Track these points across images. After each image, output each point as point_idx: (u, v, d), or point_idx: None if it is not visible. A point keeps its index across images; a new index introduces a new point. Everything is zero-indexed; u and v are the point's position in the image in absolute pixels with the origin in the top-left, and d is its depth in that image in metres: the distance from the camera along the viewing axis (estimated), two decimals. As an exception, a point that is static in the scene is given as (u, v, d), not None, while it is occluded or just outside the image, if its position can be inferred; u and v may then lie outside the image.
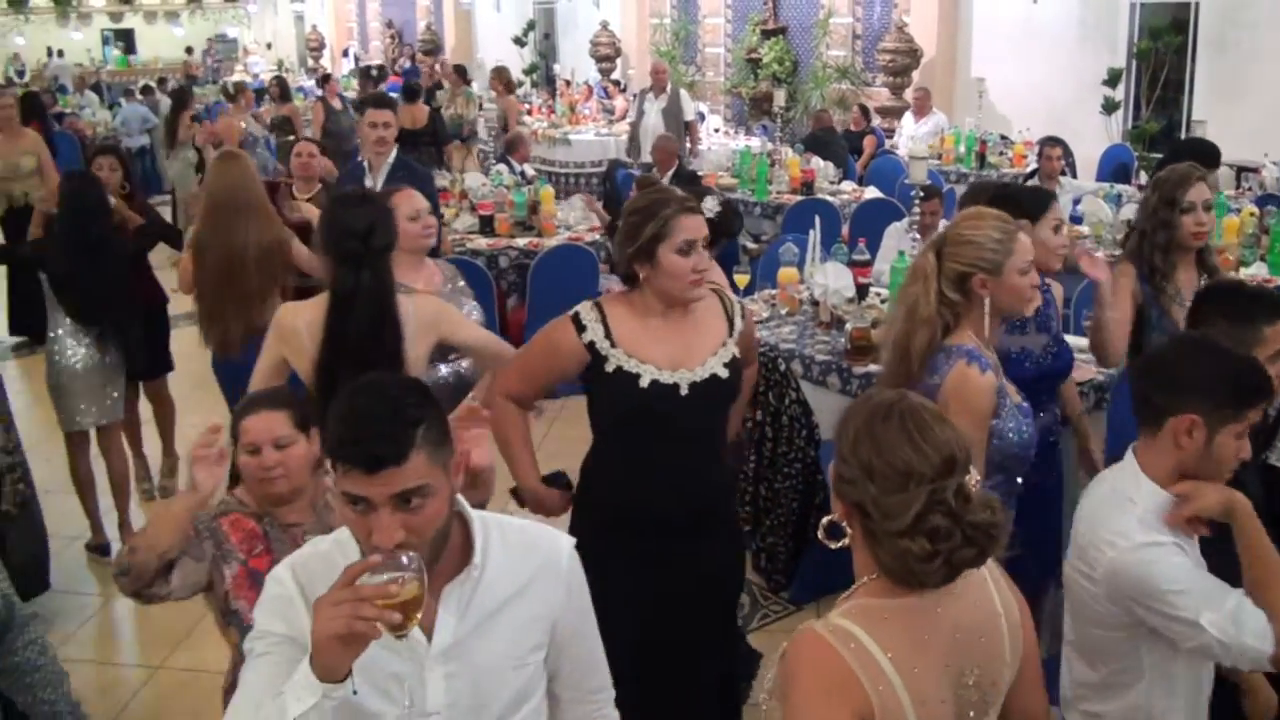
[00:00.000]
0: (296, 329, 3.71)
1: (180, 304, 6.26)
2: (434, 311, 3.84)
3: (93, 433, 5.87)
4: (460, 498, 2.13)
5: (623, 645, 3.18)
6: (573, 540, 2.29)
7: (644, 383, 3.22)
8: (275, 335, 3.78)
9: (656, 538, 3.31)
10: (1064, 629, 2.85)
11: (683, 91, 12.95)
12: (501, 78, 14.08)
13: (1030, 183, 9.01)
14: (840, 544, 2.07)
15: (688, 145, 12.04)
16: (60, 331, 5.71)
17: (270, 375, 3.75)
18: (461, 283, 4.67)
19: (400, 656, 2.04)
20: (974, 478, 1.98)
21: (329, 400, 3.45)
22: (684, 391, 3.23)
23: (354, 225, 3.65)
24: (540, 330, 3.47)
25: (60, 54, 27.92)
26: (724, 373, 3.30)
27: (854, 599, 2.06)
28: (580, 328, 3.28)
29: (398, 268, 4.13)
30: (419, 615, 1.87)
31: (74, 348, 5.69)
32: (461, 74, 14.40)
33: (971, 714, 2.05)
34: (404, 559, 1.86)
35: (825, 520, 2.08)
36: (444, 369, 4.39)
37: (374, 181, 6.16)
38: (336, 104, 13.88)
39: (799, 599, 5.29)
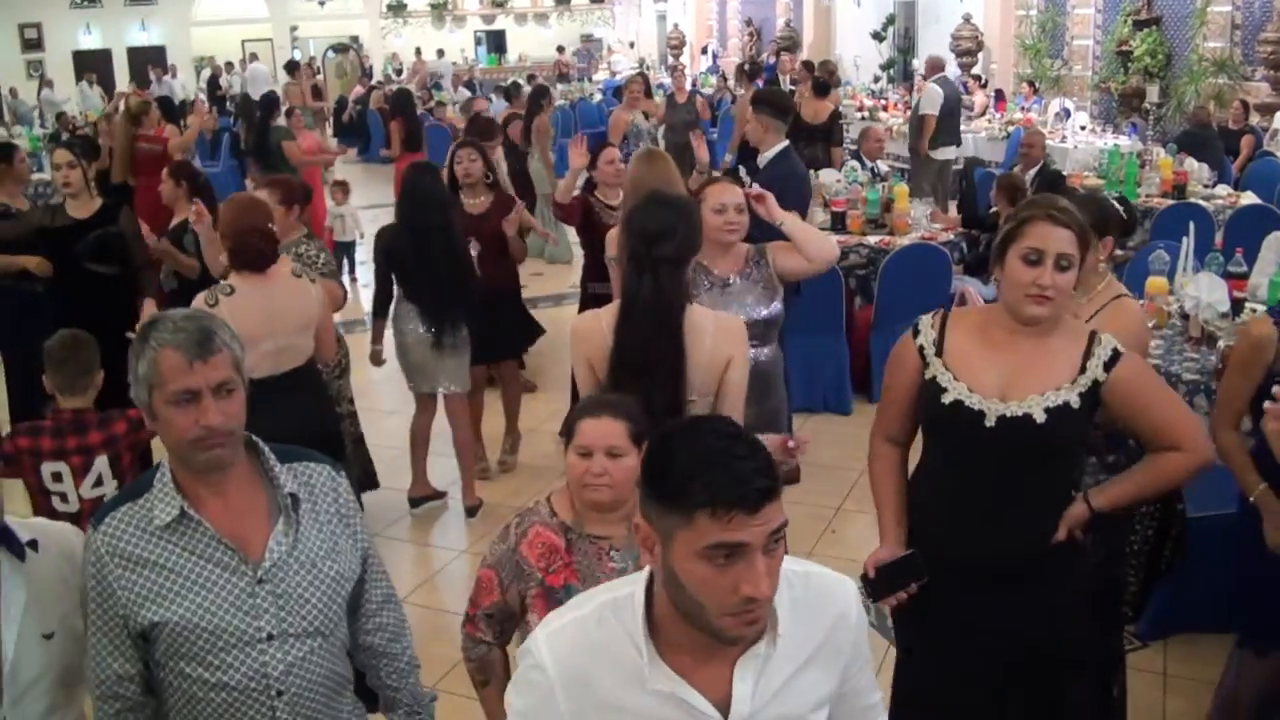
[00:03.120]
0: (599, 328, 3.60)
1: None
2: (736, 339, 3.63)
3: (441, 400, 6.28)
4: None
5: (927, 695, 3.03)
6: (856, 585, 2.13)
7: (946, 400, 2.99)
8: (575, 336, 3.70)
9: (949, 573, 3.06)
10: None
11: (929, 85, 12.83)
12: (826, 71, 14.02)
13: None
14: None
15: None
16: (402, 306, 6.11)
17: (587, 377, 3.66)
18: (769, 270, 4.45)
19: None
20: None
21: None
22: (989, 423, 2.95)
23: (645, 227, 3.53)
24: None
25: (441, 53, 29.73)
26: (1042, 417, 2.92)
27: None
28: (916, 332, 3.12)
29: (703, 252, 4.05)
30: None
31: (410, 321, 6.08)
32: (810, 68, 14.30)
33: None
34: None
35: None
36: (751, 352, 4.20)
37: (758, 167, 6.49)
38: (681, 98, 14.09)
39: (1147, 635, 4.93)
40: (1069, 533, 3.09)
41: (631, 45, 32.37)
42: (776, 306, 4.45)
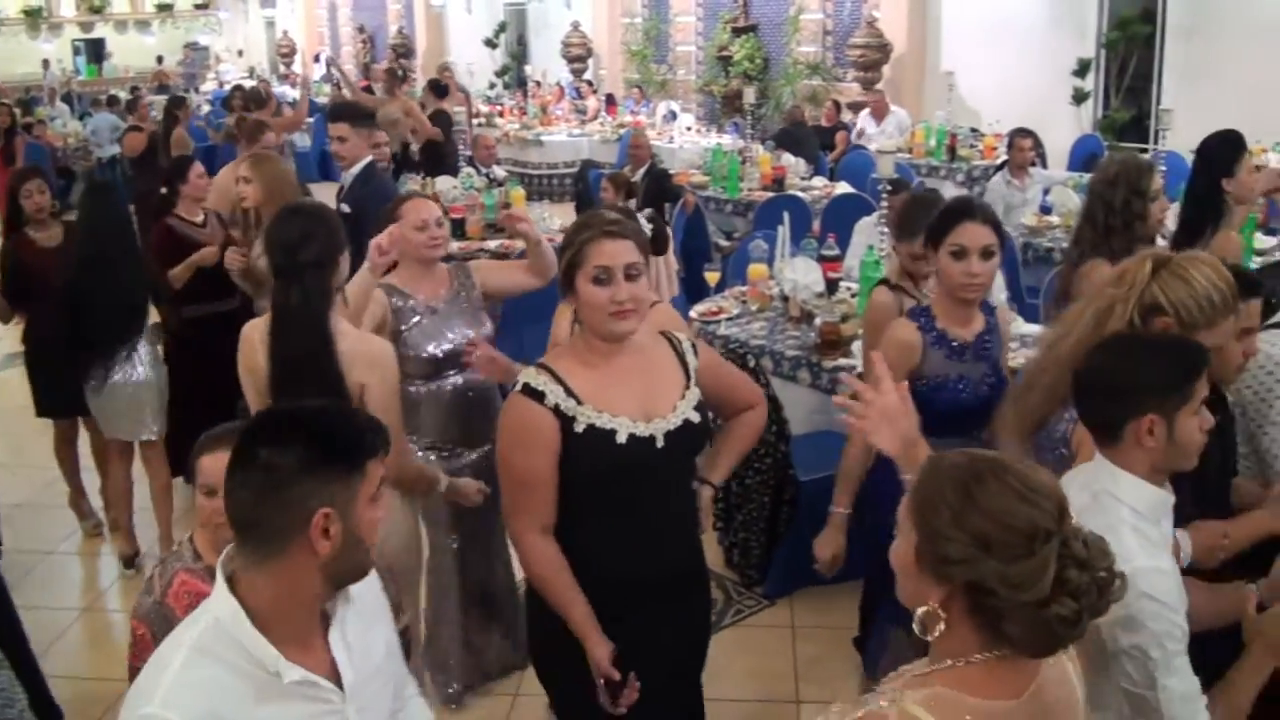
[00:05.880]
0: (252, 341, 3.53)
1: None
2: (370, 360, 3.47)
3: (136, 447, 5.84)
4: None
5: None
6: None
7: (621, 439, 2.84)
8: (240, 348, 3.61)
9: (634, 601, 2.94)
10: None
11: None
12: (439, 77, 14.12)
13: (1000, 174, 9.05)
14: (934, 634, 1.80)
15: None
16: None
17: (249, 387, 3.59)
18: (476, 292, 4.32)
19: (326, 715, 2.04)
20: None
21: None
22: (660, 444, 2.88)
23: (282, 239, 3.45)
24: (499, 436, 2.98)
25: (46, 63, 27.54)
26: (695, 417, 2.95)
27: (937, 686, 1.78)
28: (538, 395, 2.84)
29: (403, 276, 4.12)
30: None
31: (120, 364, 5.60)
32: (394, 76, 14.11)
33: None
34: None
35: (920, 613, 1.80)
36: (460, 378, 4.26)
37: (344, 187, 6.25)
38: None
39: (772, 594, 5.30)
40: (710, 516, 3.29)
41: (240, 54, 31.28)
42: (488, 327, 4.30)
